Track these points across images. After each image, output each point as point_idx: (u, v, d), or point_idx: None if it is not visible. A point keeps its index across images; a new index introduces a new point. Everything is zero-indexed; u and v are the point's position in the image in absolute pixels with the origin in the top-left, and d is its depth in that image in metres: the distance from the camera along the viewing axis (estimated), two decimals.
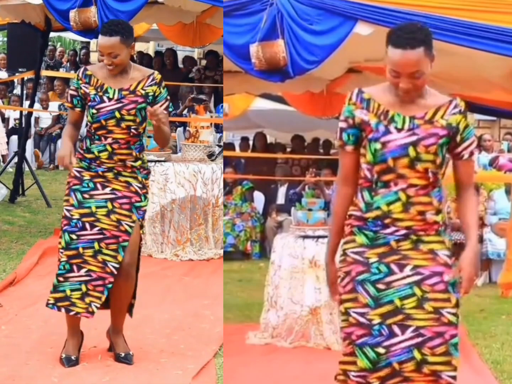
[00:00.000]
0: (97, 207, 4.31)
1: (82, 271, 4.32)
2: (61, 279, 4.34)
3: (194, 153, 7.71)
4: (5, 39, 11.72)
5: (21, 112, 9.92)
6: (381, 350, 3.10)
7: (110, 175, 4.32)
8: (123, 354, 4.50)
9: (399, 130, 3.14)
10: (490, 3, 5.00)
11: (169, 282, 6.45)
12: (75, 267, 4.32)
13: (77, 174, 4.33)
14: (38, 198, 9.57)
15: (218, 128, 9.03)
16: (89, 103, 4.29)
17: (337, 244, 3.29)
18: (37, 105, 11.46)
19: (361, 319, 3.13)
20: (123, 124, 4.28)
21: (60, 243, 4.35)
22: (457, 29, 4.91)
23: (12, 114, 12.37)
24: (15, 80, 12.09)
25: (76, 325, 4.49)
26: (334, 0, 5.09)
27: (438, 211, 3.17)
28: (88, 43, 15.21)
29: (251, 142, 12.73)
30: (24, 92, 10.27)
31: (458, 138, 3.18)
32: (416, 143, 3.11)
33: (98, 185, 4.33)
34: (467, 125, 3.19)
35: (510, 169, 8.62)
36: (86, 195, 4.32)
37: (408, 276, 3.12)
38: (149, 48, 14.24)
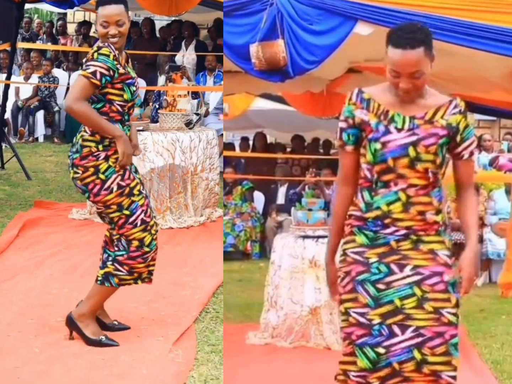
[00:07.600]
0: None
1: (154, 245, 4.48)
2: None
3: (172, 122, 7.73)
4: None
5: None
6: (381, 350, 3.10)
7: None
8: (117, 323, 4.65)
9: (399, 130, 3.14)
10: (490, 3, 4.99)
11: None
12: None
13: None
14: (18, 171, 9.58)
15: (197, 95, 8.97)
16: (127, 81, 4.31)
17: (337, 244, 3.29)
18: (14, 77, 11.27)
19: (361, 319, 3.13)
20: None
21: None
22: (457, 29, 4.90)
23: None
24: None
25: None
26: (334, 0, 5.08)
27: (438, 211, 3.17)
28: (65, 14, 15.09)
29: (251, 142, 12.73)
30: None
31: (458, 138, 3.18)
32: (416, 143, 3.12)
33: (129, 172, 4.44)
34: (467, 125, 3.19)
35: (510, 169, 8.62)
36: (138, 186, 4.43)
37: (408, 276, 3.12)
38: None
